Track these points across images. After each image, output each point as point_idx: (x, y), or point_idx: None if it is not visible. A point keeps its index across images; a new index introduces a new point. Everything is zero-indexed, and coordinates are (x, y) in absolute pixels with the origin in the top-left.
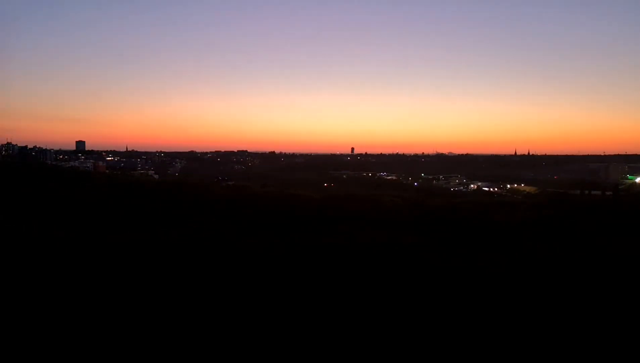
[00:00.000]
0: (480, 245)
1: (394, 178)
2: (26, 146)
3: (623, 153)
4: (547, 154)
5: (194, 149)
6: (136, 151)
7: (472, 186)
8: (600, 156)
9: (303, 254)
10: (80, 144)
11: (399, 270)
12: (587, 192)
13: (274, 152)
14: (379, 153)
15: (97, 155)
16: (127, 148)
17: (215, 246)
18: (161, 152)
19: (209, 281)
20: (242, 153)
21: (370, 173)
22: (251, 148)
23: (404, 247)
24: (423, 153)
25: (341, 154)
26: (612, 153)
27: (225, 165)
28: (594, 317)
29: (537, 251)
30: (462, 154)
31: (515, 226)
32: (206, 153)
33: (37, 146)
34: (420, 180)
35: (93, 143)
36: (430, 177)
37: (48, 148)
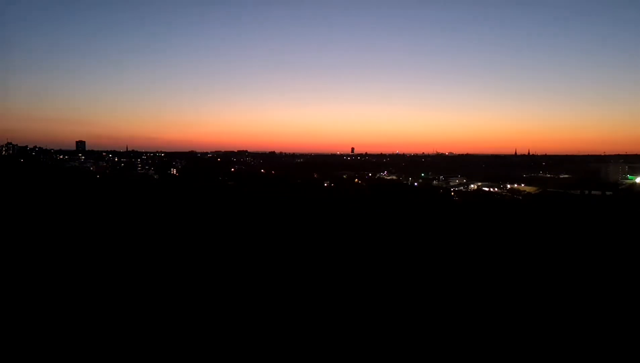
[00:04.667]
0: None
1: (394, 178)
2: (26, 146)
3: (623, 153)
4: (547, 154)
5: (194, 149)
6: (136, 151)
7: (472, 186)
8: (600, 156)
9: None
10: (80, 144)
11: None
12: (587, 192)
13: (274, 152)
14: (379, 152)
15: (97, 155)
16: (127, 148)
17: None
18: (161, 152)
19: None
20: (242, 153)
21: (370, 173)
22: (251, 148)
23: None
24: (423, 152)
25: (341, 154)
26: (612, 153)
27: (226, 165)
28: (591, 319)
29: (537, 251)
30: (462, 154)
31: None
32: (206, 153)
33: (37, 146)
34: (420, 180)
35: (93, 143)
36: (430, 177)
37: (48, 148)
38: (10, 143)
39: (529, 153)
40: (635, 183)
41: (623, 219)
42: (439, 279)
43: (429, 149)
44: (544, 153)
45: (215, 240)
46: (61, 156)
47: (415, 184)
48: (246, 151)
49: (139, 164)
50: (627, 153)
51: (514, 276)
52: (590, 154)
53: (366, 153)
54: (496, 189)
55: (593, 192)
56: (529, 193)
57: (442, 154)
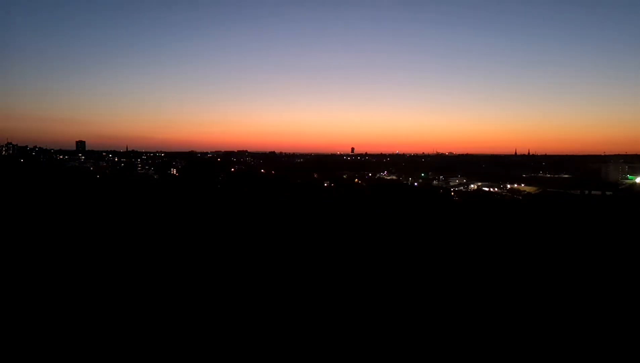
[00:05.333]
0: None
1: (394, 178)
2: (26, 146)
3: (623, 153)
4: (547, 154)
5: (194, 149)
6: (136, 151)
7: (472, 186)
8: (600, 156)
9: None
10: (80, 144)
11: None
12: (587, 192)
13: (274, 152)
14: (379, 152)
15: (97, 155)
16: (127, 148)
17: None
18: (161, 152)
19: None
20: (242, 153)
21: (370, 173)
22: (251, 148)
23: None
24: (423, 152)
25: (341, 154)
26: (612, 153)
27: (226, 165)
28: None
29: (538, 250)
30: (462, 154)
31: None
32: (206, 153)
33: (37, 146)
34: (420, 180)
35: (93, 143)
36: (430, 177)
37: (48, 148)
38: (10, 143)
39: (529, 153)
40: (635, 183)
41: (623, 219)
42: (439, 278)
43: (429, 149)
44: (544, 153)
45: (215, 240)
46: (61, 156)
47: (415, 184)
48: (246, 151)
49: (139, 164)
50: (627, 153)
51: (513, 275)
52: (590, 154)
53: (366, 153)
54: (496, 189)
55: (593, 192)
56: (529, 193)
57: (442, 154)
